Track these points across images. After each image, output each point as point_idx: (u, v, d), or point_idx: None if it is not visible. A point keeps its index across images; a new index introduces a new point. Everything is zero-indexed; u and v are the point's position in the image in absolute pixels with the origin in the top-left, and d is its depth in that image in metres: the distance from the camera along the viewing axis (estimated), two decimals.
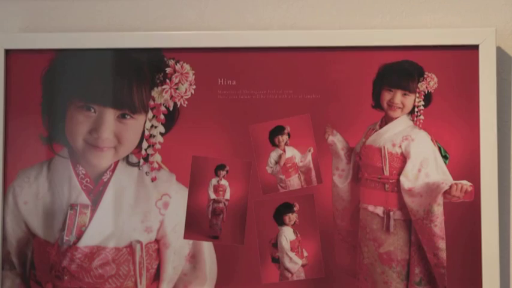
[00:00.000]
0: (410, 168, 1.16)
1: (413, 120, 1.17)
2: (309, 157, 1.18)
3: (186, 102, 1.19)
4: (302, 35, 1.18)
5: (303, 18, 1.21)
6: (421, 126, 1.17)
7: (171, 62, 1.18)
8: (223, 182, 1.19)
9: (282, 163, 1.19)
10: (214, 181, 1.19)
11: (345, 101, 1.18)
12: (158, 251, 1.20)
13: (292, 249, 1.18)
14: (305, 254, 1.18)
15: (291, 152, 1.19)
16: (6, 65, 1.20)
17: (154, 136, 1.19)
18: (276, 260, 1.19)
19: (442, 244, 1.15)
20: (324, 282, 1.18)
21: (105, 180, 1.19)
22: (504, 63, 1.19)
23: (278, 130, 1.18)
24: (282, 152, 1.19)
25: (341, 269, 1.18)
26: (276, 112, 1.18)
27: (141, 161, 1.19)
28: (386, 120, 1.18)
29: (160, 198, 1.19)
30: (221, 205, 1.19)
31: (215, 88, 1.19)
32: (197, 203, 1.19)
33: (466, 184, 1.15)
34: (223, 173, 1.19)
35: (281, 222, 1.18)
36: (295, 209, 1.18)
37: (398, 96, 1.17)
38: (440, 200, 1.15)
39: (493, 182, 1.14)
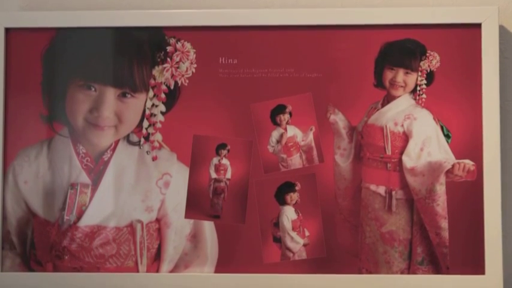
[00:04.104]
0: (412, 147, 1.16)
1: (415, 99, 1.17)
2: (311, 136, 1.18)
3: (187, 81, 1.18)
4: (304, 13, 1.17)
5: None
6: (423, 105, 1.16)
7: (172, 41, 1.18)
8: (225, 161, 1.18)
9: (283, 142, 1.18)
10: (215, 160, 1.18)
11: (347, 79, 1.17)
12: (159, 231, 1.19)
13: (293, 229, 1.18)
14: (307, 233, 1.18)
15: (292, 131, 1.18)
16: (6, 44, 1.18)
17: (155, 115, 1.18)
18: (278, 240, 1.18)
19: (444, 223, 1.15)
20: (326, 262, 1.17)
21: (105, 159, 1.19)
22: (507, 42, 1.18)
23: (280, 109, 1.17)
24: (283, 131, 1.18)
25: (343, 249, 1.17)
26: (278, 91, 1.17)
27: (142, 140, 1.18)
28: (389, 99, 1.17)
29: (161, 178, 1.18)
30: (222, 184, 1.18)
31: (216, 67, 1.18)
32: (198, 182, 1.18)
33: (468, 163, 1.15)
34: (224, 152, 1.18)
35: (282, 202, 1.18)
36: (296, 188, 1.18)
37: (401, 75, 1.17)
38: (442, 179, 1.14)
39: (495, 161, 1.13)
